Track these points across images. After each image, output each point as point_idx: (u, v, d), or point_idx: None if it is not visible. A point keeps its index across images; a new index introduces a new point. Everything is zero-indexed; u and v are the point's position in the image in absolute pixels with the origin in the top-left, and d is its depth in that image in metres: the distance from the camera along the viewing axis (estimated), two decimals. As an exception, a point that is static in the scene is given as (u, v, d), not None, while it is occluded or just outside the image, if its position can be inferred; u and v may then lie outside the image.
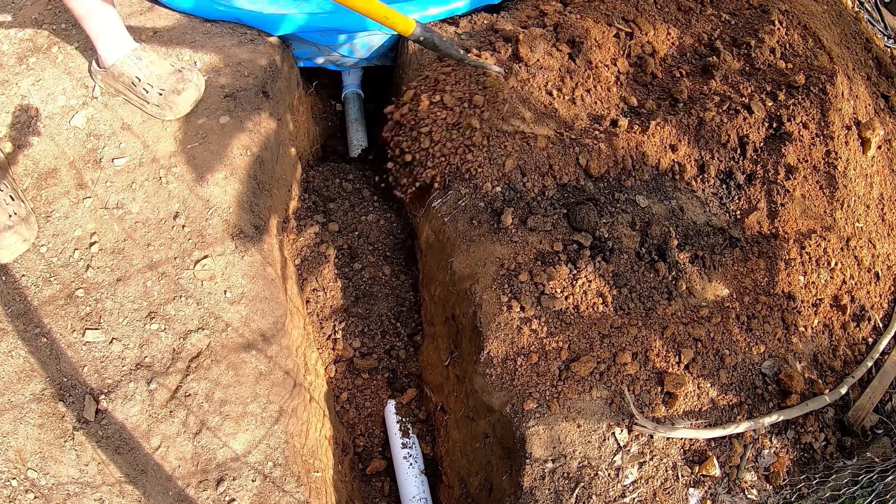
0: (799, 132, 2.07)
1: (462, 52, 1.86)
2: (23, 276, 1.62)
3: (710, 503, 1.54)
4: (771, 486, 1.60)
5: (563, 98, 2.06)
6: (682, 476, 1.54)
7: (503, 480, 1.58)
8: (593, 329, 1.64)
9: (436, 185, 1.93)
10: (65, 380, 1.53)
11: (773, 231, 1.94)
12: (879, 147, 2.25)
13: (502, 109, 1.94)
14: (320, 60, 2.33)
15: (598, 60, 2.16)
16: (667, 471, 1.53)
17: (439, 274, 1.92)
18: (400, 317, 2.13)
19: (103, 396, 1.52)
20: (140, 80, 1.76)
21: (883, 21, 2.86)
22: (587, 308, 1.67)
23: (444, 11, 2.19)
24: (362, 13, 1.64)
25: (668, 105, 2.11)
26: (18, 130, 1.79)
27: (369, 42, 2.26)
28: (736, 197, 1.99)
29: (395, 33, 2.23)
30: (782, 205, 1.99)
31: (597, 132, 1.98)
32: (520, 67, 2.07)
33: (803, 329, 1.82)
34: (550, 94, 2.05)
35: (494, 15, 2.29)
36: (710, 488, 1.55)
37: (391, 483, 1.96)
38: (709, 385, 1.63)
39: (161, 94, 1.77)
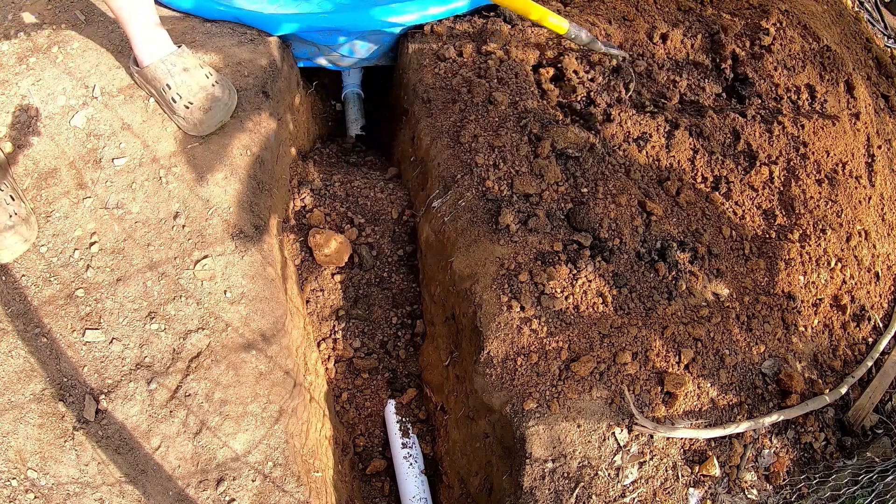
0: (799, 132, 2.07)
1: (599, 42, 2.07)
2: (23, 276, 1.62)
3: (710, 503, 1.54)
4: (771, 486, 1.60)
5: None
6: (682, 476, 1.54)
7: (503, 480, 1.58)
8: (593, 329, 1.64)
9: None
10: (65, 380, 1.53)
11: (773, 231, 1.94)
12: (880, 147, 2.25)
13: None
14: (320, 60, 2.34)
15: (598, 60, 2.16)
16: (667, 471, 1.54)
17: (439, 274, 1.92)
18: (400, 317, 2.13)
19: (103, 396, 1.52)
20: (170, 89, 1.72)
21: (883, 21, 2.87)
22: (587, 308, 1.67)
23: (444, 11, 2.19)
24: (526, 15, 1.90)
25: (668, 104, 2.11)
26: (18, 130, 1.79)
27: (369, 42, 2.26)
28: (736, 196, 1.98)
29: (396, 33, 2.24)
30: (782, 204, 1.99)
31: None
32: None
33: (803, 329, 1.82)
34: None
35: (494, 14, 2.29)
36: (710, 488, 1.55)
37: (391, 483, 1.96)
38: (709, 385, 1.63)
39: (188, 108, 1.73)
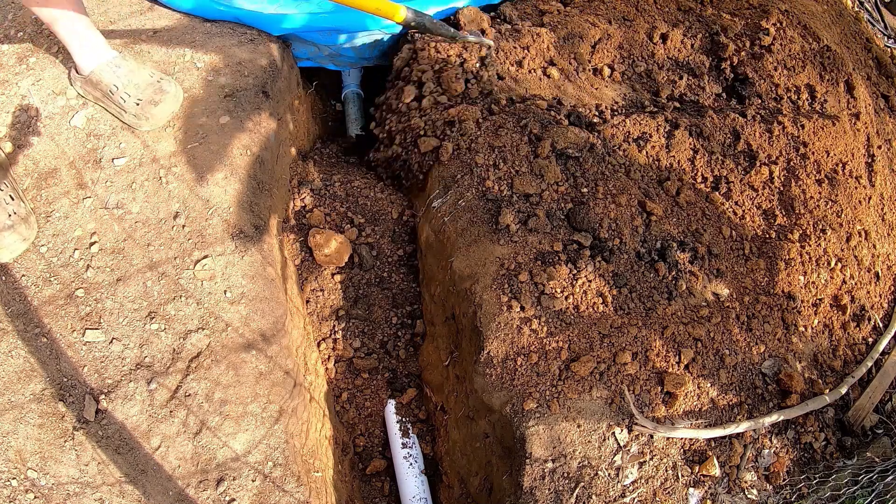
0: (799, 132, 2.07)
1: (453, 29, 1.91)
2: (23, 276, 1.62)
3: (710, 503, 1.54)
4: (771, 486, 1.60)
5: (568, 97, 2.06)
6: (682, 476, 1.54)
7: (503, 480, 1.58)
8: (593, 329, 1.64)
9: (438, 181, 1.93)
10: (65, 380, 1.53)
11: (773, 231, 1.94)
12: (880, 147, 2.25)
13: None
14: (320, 60, 2.34)
15: (598, 60, 2.17)
16: (667, 471, 1.53)
17: (439, 274, 1.92)
18: (400, 317, 2.13)
19: (103, 396, 1.52)
20: (118, 89, 1.75)
21: (883, 21, 2.87)
22: (587, 308, 1.67)
23: (444, 10, 2.20)
24: (354, 7, 1.68)
25: (669, 104, 2.11)
26: (18, 130, 1.79)
27: (369, 42, 2.26)
28: (736, 196, 1.98)
29: (396, 33, 2.24)
30: (782, 204, 1.99)
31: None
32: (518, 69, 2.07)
33: (803, 329, 1.82)
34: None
35: (493, 14, 2.29)
36: (710, 488, 1.55)
37: (391, 483, 1.96)
38: (709, 385, 1.63)
39: (138, 104, 1.76)
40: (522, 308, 1.65)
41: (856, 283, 1.95)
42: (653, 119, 2.01)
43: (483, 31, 2.14)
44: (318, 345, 2.02)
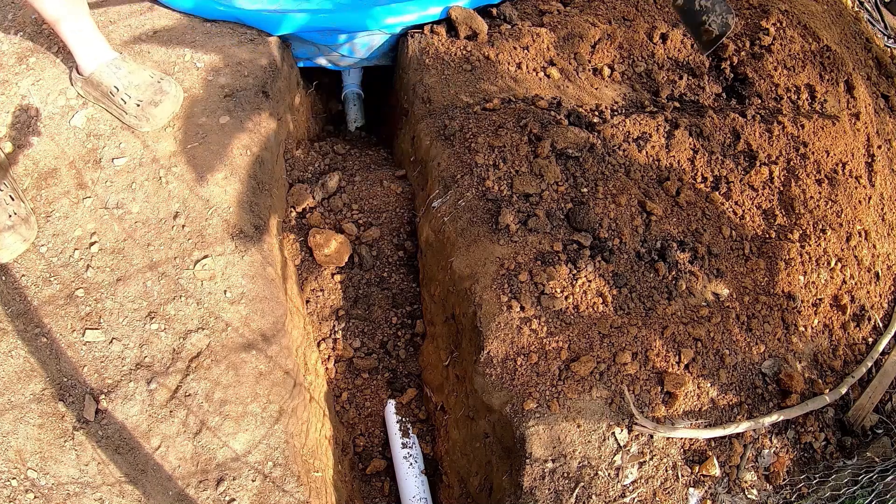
0: (799, 132, 2.07)
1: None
2: (23, 276, 1.62)
3: (710, 503, 1.54)
4: (771, 486, 1.60)
5: (567, 97, 2.06)
6: (682, 476, 1.54)
7: (503, 480, 1.58)
8: (593, 329, 1.64)
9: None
10: (65, 380, 1.53)
11: (773, 231, 1.94)
12: (880, 147, 2.25)
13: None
14: (320, 60, 2.34)
15: (598, 60, 2.17)
16: (667, 471, 1.54)
17: (439, 274, 1.92)
18: (400, 317, 2.13)
19: (103, 396, 1.52)
20: (118, 90, 1.76)
21: (883, 21, 2.86)
22: (587, 308, 1.67)
23: (444, 11, 2.19)
24: None
25: (669, 104, 2.11)
26: (18, 130, 1.79)
27: (369, 42, 2.26)
28: (736, 196, 1.98)
29: (396, 33, 2.23)
30: (782, 204, 1.99)
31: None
32: (517, 69, 2.07)
33: (803, 329, 1.82)
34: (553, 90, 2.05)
35: (493, 14, 2.29)
36: (710, 488, 1.55)
37: (391, 483, 1.96)
38: (709, 385, 1.63)
39: (139, 105, 1.77)
40: (522, 308, 1.65)
41: (856, 283, 1.95)
42: (653, 119, 2.01)
43: (476, 33, 2.14)
44: (318, 345, 2.02)
